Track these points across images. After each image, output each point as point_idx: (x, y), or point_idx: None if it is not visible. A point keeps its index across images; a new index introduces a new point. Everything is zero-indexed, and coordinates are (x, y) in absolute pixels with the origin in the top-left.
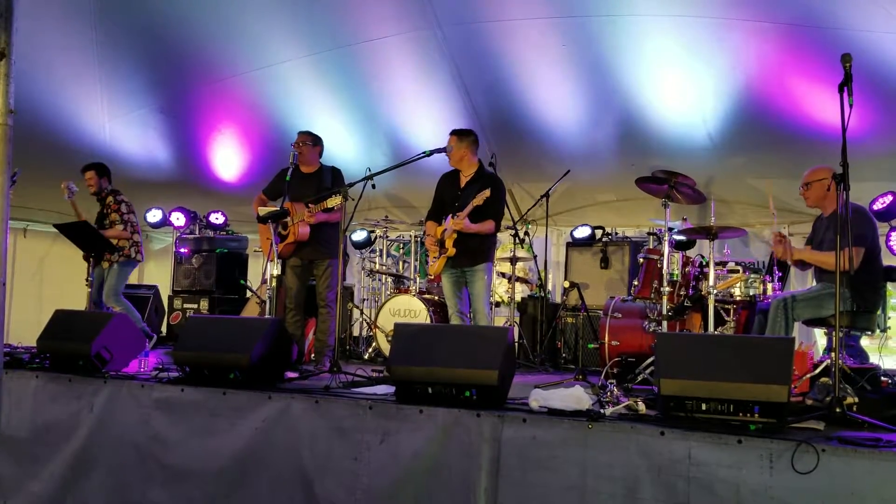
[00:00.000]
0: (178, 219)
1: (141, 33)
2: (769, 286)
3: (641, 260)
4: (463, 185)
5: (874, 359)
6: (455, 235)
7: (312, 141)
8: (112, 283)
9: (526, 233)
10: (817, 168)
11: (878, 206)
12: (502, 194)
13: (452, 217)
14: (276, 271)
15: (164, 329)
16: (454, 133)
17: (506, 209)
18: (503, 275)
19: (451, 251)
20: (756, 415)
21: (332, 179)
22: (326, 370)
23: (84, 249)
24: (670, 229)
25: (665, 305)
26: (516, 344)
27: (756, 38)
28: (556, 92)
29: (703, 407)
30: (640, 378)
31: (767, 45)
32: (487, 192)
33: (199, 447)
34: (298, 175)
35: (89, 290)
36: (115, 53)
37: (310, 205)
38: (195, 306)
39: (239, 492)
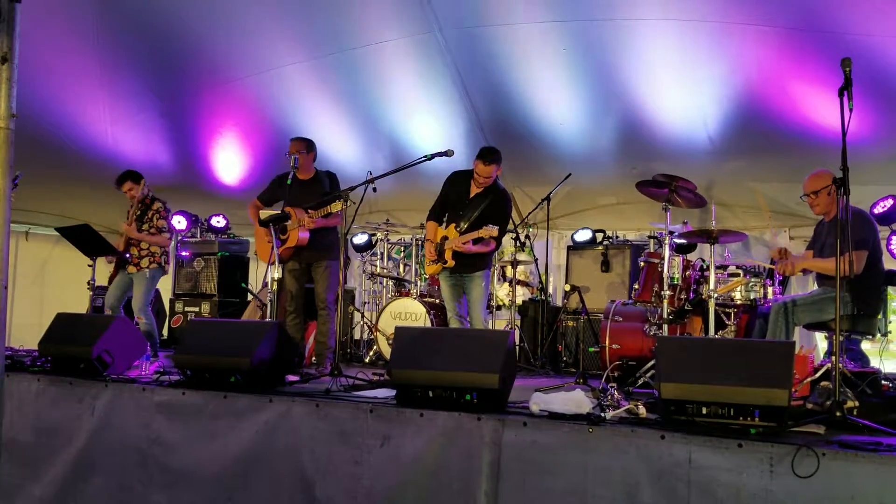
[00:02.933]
0: (180, 222)
1: (143, 37)
2: (770, 290)
3: (642, 263)
4: (472, 194)
5: (875, 362)
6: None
7: (306, 147)
8: (143, 292)
9: (527, 236)
10: (817, 175)
11: (878, 209)
12: (508, 218)
13: (455, 228)
14: (277, 274)
15: (165, 332)
16: (495, 162)
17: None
18: (504, 278)
19: (451, 263)
20: (756, 419)
21: (330, 184)
22: (327, 373)
23: (86, 253)
24: (671, 233)
25: (666, 309)
26: (517, 347)
27: (756, 43)
28: (556, 95)
29: (704, 411)
30: (640, 382)
31: (768, 49)
32: (494, 231)
33: (201, 450)
34: (296, 182)
35: (91, 293)
36: (117, 57)
37: (310, 210)
38: (196, 309)
39: (240, 495)
